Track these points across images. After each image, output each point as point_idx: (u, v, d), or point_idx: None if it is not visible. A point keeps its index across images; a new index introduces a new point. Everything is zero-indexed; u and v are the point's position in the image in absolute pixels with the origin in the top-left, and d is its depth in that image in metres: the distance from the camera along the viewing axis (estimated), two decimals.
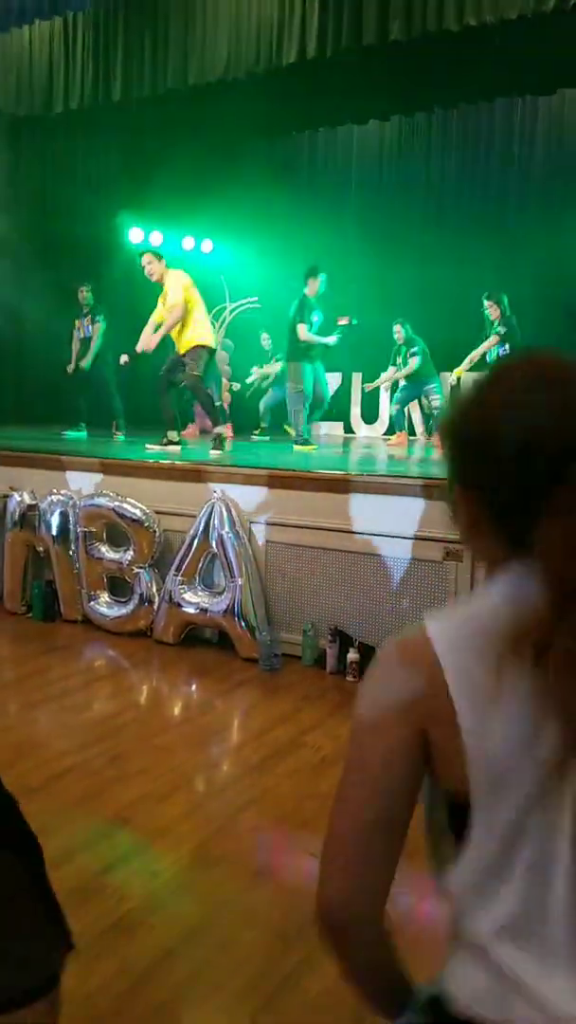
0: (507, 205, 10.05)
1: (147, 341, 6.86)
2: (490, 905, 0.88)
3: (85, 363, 8.38)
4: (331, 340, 7.57)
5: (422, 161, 10.60)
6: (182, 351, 6.70)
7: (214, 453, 6.29)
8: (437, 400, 8.50)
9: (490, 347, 7.94)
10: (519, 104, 9.80)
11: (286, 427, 8.73)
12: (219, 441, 6.46)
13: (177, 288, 6.61)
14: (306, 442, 7.42)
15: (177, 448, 6.69)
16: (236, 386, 10.14)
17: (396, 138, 10.79)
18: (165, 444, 6.72)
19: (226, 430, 6.82)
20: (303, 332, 7.34)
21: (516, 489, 0.89)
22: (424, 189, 10.59)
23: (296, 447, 7.32)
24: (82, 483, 5.75)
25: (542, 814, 0.85)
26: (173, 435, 6.84)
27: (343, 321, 8.09)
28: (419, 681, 0.89)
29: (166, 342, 6.81)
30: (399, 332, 8.68)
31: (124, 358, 7.63)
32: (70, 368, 8.54)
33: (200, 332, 6.70)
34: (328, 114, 9.76)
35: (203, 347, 6.68)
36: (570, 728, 0.81)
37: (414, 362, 8.49)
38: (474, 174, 10.22)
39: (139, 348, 6.96)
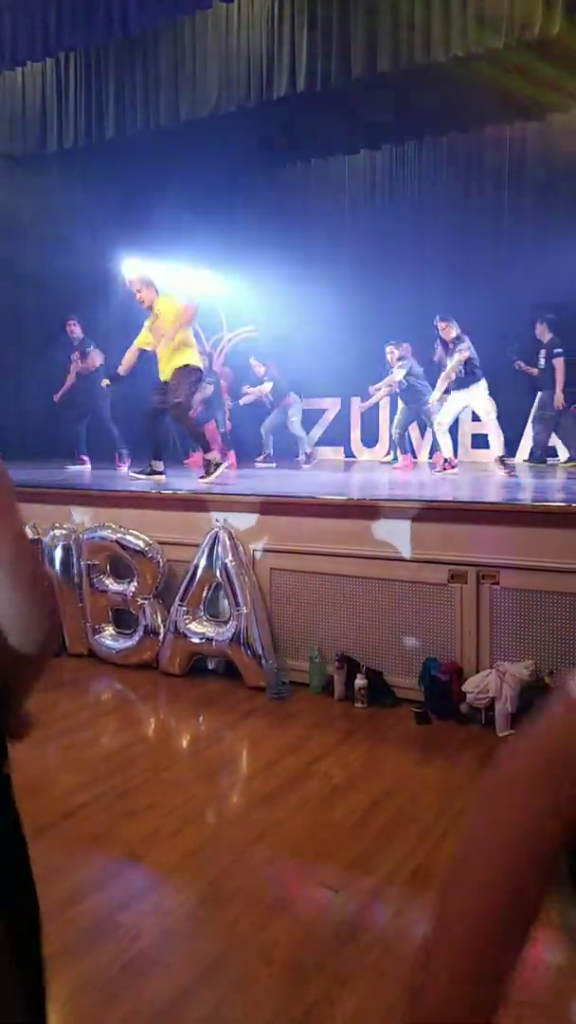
0: (499, 231, 10.14)
1: (128, 364, 6.87)
2: None
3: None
4: None
5: (413, 188, 10.71)
6: (167, 377, 6.48)
7: (202, 481, 6.19)
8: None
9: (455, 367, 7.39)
10: (508, 131, 9.89)
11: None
12: (211, 467, 6.33)
13: (170, 313, 6.45)
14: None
15: (162, 477, 6.55)
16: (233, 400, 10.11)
17: (388, 167, 10.90)
18: (149, 474, 6.59)
19: (218, 456, 6.71)
20: None
21: None
22: (415, 216, 10.69)
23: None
24: (84, 516, 5.75)
25: None
26: (157, 464, 6.66)
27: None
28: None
29: (149, 366, 6.72)
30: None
31: (106, 382, 7.65)
32: (56, 397, 8.77)
33: (186, 353, 6.47)
34: (320, 144, 9.86)
35: (189, 367, 6.44)
36: None
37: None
38: (465, 201, 10.32)
39: (121, 371, 6.97)
